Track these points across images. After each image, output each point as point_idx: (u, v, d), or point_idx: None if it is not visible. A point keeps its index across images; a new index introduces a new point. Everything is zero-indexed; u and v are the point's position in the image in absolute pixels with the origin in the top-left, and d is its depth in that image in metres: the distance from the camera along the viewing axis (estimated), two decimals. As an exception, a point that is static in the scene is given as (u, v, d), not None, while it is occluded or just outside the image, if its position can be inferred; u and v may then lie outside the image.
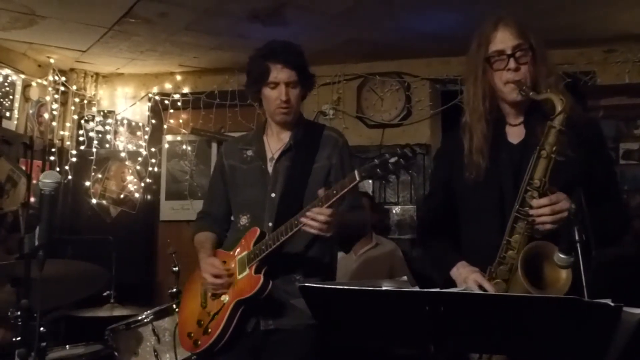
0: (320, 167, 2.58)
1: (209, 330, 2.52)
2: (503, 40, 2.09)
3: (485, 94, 2.15)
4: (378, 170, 2.18)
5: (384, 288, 1.66)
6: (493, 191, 2.11)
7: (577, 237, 1.67)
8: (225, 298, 2.52)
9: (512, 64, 2.07)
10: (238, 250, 2.56)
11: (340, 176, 2.56)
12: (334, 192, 2.27)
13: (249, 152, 2.70)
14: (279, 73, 2.52)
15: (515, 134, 2.17)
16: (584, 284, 1.62)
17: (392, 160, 2.17)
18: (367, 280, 4.07)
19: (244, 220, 2.63)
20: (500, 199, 2.08)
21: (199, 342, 2.55)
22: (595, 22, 4.23)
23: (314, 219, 2.26)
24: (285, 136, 2.66)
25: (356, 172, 2.22)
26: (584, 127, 2.07)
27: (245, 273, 2.48)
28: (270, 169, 2.62)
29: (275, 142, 2.67)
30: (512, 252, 1.98)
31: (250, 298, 2.42)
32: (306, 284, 1.71)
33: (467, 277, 2.05)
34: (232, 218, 2.75)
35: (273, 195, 2.57)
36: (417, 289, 1.63)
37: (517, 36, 2.08)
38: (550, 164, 1.94)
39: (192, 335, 2.60)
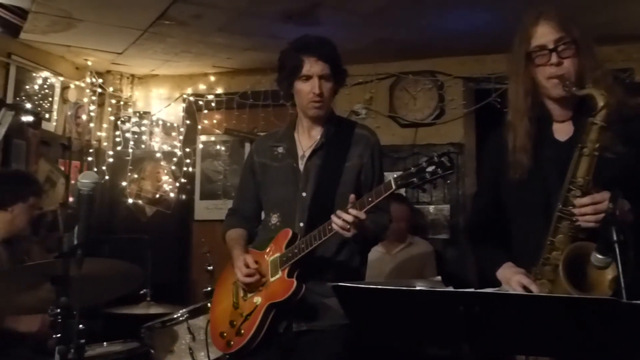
0: (351, 166, 2.55)
1: (242, 331, 2.51)
2: (544, 34, 2.03)
3: (527, 91, 2.10)
4: (414, 179, 2.15)
5: (417, 288, 1.65)
6: (538, 190, 2.06)
7: (615, 237, 1.64)
8: (257, 300, 2.51)
9: (554, 58, 2.00)
10: (270, 250, 2.55)
11: (370, 175, 2.55)
12: (369, 199, 2.24)
13: (280, 150, 2.68)
14: (312, 66, 2.50)
15: (562, 131, 2.11)
16: (622, 284, 1.59)
17: (430, 169, 2.13)
18: (400, 280, 4.06)
19: (274, 219, 2.61)
20: (546, 198, 2.03)
21: (232, 343, 2.54)
22: (632, 19, 4.15)
23: (342, 217, 2.24)
24: (317, 133, 2.63)
25: (392, 180, 2.19)
26: (633, 121, 2.00)
27: (277, 276, 2.46)
28: (301, 167, 2.60)
29: (307, 139, 2.65)
30: (557, 252, 1.93)
31: (283, 302, 2.40)
32: (339, 284, 1.71)
33: (510, 279, 2.02)
34: (263, 216, 2.74)
35: (304, 194, 2.54)
36: (450, 289, 1.62)
37: (559, 29, 2.01)
38: (593, 162, 1.89)
39: (225, 335, 2.59)
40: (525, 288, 1.95)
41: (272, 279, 2.49)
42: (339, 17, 4.18)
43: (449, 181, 5.03)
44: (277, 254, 2.50)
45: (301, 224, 2.51)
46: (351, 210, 2.23)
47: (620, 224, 1.65)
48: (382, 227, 2.59)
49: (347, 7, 4.02)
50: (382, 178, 2.56)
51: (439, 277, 4.16)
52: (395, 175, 2.20)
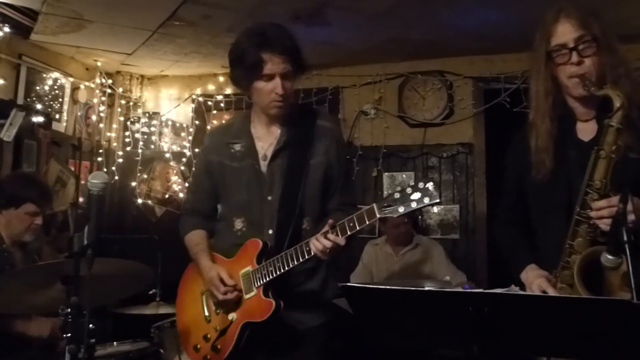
0: (317, 163, 2.42)
1: (219, 347, 2.41)
2: (564, 32, 1.99)
3: (548, 90, 2.06)
4: (398, 206, 2.03)
5: (426, 288, 1.65)
6: (560, 191, 2.03)
7: (625, 238, 1.63)
8: (233, 317, 2.41)
9: (574, 57, 1.97)
10: (239, 261, 2.42)
11: (337, 171, 2.45)
12: (350, 224, 2.12)
13: (237, 147, 2.50)
14: (274, 64, 2.29)
15: (586, 130, 2.07)
16: (633, 286, 1.57)
17: (415, 196, 2.01)
18: (409, 280, 4.05)
19: (239, 224, 2.46)
20: (569, 198, 1.99)
21: (209, 357, 2.44)
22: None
23: (321, 242, 2.15)
24: (276, 129, 2.47)
25: (375, 206, 2.08)
26: None
27: (253, 293, 2.35)
28: (264, 168, 2.44)
29: (265, 135, 2.48)
30: (575, 255, 1.91)
31: (262, 323, 2.30)
32: (348, 284, 1.71)
33: (532, 282, 2.00)
34: (223, 218, 2.57)
35: (270, 198, 2.41)
36: (459, 289, 1.61)
37: (579, 27, 1.97)
38: (611, 165, 1.86)
39: (199, 349, 2.49)
40: (543, 292, 1.93)
41: (247, 296, 2.37)
42: (348, 17, 4.18)
43: (456, 183, 5.03)
44: (249, 268, 2.37)
45: (270, 231, 2.39)
46: (330, 236, 2.13)
47: (630, 224, 1.64)
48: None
49: (356, 7, 4.02)
50: (348, 171, 2.43)
51: (448, 277, 4.16)
52: (376, 202, 2.08)
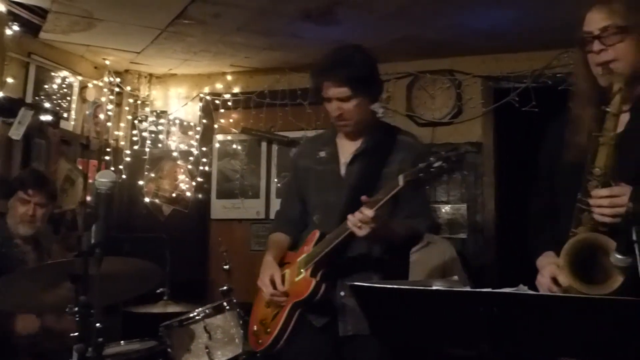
0: (390, 171, 2.52)
1: (269, 329, 2.58)
2: (593, 20, 1.97)
3: (583, 76, 2.04)
4: (421, 174, 2.17)
5: (434, 287, 1.64)
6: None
7: (635, 237, 1.61)
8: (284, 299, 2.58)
9: (596, 45, 1.95)
10: (301, 251, 2.61)
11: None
12: (379, 197, 2.27)
13: (323, 154, 2.71)
14: (329, 90, 2.54)
15: (619, 121, 1.99)
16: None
17: (436, 164, 2.15)
18: (419, 279, 4.03)
19: (317, 221, 2.67)
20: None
21: (260, 341, 2.63)
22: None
23: (355, 216, 2.27)
24: (357, 140, 2.66)
25: (400, 177, 2.23)
26: None
27: (302, 275, 2.52)
28: (343, 172, 2.63)
29: (349, 144, 2.67)
30: None
31: (304, 300, 2.46)
32: (356, 283, 1.70)
33: (543, 267, 1.99)
34: (308, 217, 2.76)
35: (344, 199, 2.56)
36: (467, 289, 1.60)
37: (608, 16, 1.93)
38: (611, 152, 1.83)
39: (256, 333, 2.68)
40: (553, 279, 1.91)
41: (297, 278, 2.54)
42: (359, 17, 4.17)
43: (465, 182, 5.00)
44: (304, 255, 2.56)
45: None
46: (362, 209, 2.26)
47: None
48: (416, 232, 2.59)
49: (367, 6, 4.00)
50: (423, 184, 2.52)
51: (456, 277, 4.14)
52: (403, 174, 2.23)
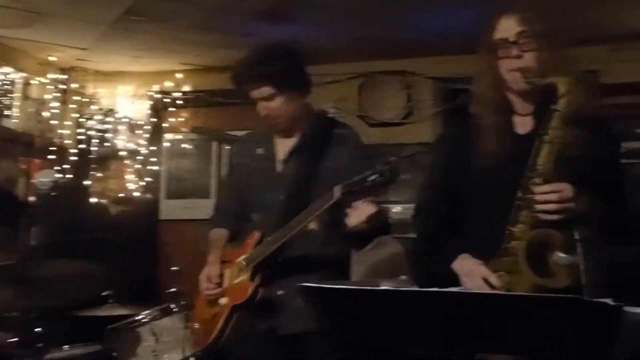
0: (329, 167, 2.52)
1: (208, 329, 2.56)
2: (507, 27, 2.02)
3: (490, 83, 2.09)
4: (356, 188, 2.18)
5: (382, 287, 1.64)
6: (496, 182, 2.04)
7: (577, 236, 1.64)
8: (223, 301, 2.56)
9: (515, 51, 2.00)
10: (242, 251, 2.57)
11: (353, 174, 2.48)
12: (315, 207, 2.29)
13: (260, 151, 2.68)
14: (252, 92, 2.50)
15: (523, 124, 2.10)
16: (585, 283, 1.59)
17: (370, 178, 2.15)
18: (367, 279, 4.05)
19: (255, 219, 2.65)
20: (503, 190, 2.00)
21: (200, 340, 2.61)
22: (599, 22, 4.21)
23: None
24: (293, 136, 2.63)
25: (335, 189, 2.23)
26: (595, 123, 1.98)
27: (241, 278, 2.50)
28: (280, 169, 2.61)
29: (285, 141, 2.64)
30: (516, 242, 1.90)
31: (243, 305, 2.45)
32: (304, 284, 1.69)
33: (471, 271, 1.99)
34: (247, 214, 2.74)
35: (282, 197, 2.55)
36: (415, 288, 1.61)
37: (523, 23, 2.00)
38: (555, 150, 1.88)
39: (197, 331, 2.67)
40: (486, 281, 1.93)
41: (236, 281, 2.53)
42: (314, 16, 4.17)
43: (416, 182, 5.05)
44: (244, 255, 2.53)
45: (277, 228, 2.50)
46: (363, 205, 2.24)
47: (584, 223, 1.65)
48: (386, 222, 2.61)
49: (323, 6, 4.00)
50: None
51: (404, 277, 4.18)
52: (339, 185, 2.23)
